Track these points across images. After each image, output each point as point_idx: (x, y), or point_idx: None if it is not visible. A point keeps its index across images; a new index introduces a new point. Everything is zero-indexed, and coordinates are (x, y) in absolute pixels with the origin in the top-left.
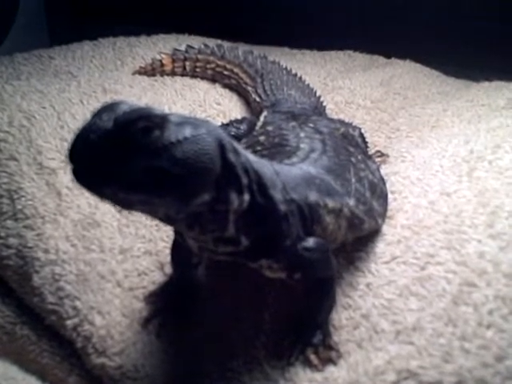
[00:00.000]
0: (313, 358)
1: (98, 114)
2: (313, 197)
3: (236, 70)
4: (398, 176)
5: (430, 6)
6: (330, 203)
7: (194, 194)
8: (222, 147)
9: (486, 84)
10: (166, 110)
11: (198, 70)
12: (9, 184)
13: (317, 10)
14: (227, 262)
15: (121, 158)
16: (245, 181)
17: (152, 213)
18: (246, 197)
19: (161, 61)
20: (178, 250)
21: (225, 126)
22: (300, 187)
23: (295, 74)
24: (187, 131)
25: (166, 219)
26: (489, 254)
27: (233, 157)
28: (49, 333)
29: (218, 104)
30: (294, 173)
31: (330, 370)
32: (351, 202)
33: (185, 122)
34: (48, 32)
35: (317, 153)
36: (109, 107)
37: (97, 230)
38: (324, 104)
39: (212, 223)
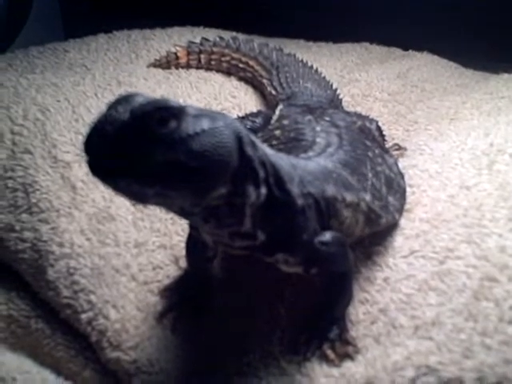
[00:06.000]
0: (329, 352)
1: (113, 106)
2: (330, 191)
3: (251, 62)
4: (417, 169)
5: None
6: (348, 197)
7: (211, 187)
8: (239, 140)
9: (506, 76)
10: (182, 103)
11: (212, 62)
12: (24, 177)
13: (332, 1)
14: (243, 256)
15: (137, 149)
16: (262, 174)
17: (167, 206)
18: (263, 190)
19: (176, 53)
20: (193, 243)
21: (240, 119)
22: (317, 181)
23: (311, 67)
24: (205, 123)
25: (182, 212)
26: (510, 249)
27: (250, 150)
28: (64, 326)
29: (234, 97)
30: (310, 166)
31: (347, 365)
32: (367, 197)
33: (202, 114)
34: (63, 25)
35: (333, 147)
36: (124, 99)
37: (111, 224)
38: (340, 97)
39: (228, 217)
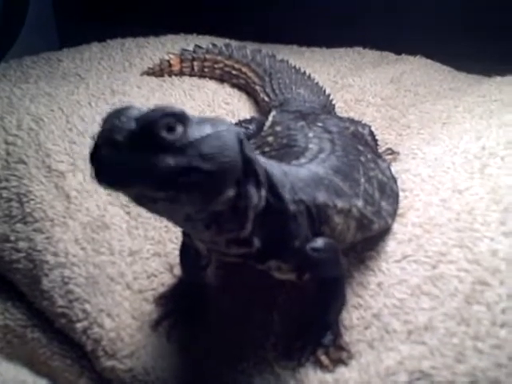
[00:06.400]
0: (323, 358)
1: (114, 116)
2: (321, 197)
3: (244, 69)
4: (409, 173)
5: (441, 0)
6: (340, 204)
7: (221, 190)
8: (240, 143)
9: (498, 79)
10: None
11: (206, 69)
12: (18, 187)
13: (325, 6)
14: (236, 264)
15: (147, 156)
16: (262, 176)
17: (174, 211)
18: (263, 192)
19: (169, 61)
20: (187, 251)
21: None
22: (308, 188)
23: (304, 73)
24: (207, 128)
25: (186, 219)
26: (502, 252)
27: (250, 152)
28: (60, 336)
29: (227, 104)
30: (302, 173)
31: (341, 370)
32: (359, 203)
33: (203, 120)
34: (58, 34)
35: (325, 153)
36: (118, 112)
37: (106, 233)
38: (333, 102)
39: (231, 222)
